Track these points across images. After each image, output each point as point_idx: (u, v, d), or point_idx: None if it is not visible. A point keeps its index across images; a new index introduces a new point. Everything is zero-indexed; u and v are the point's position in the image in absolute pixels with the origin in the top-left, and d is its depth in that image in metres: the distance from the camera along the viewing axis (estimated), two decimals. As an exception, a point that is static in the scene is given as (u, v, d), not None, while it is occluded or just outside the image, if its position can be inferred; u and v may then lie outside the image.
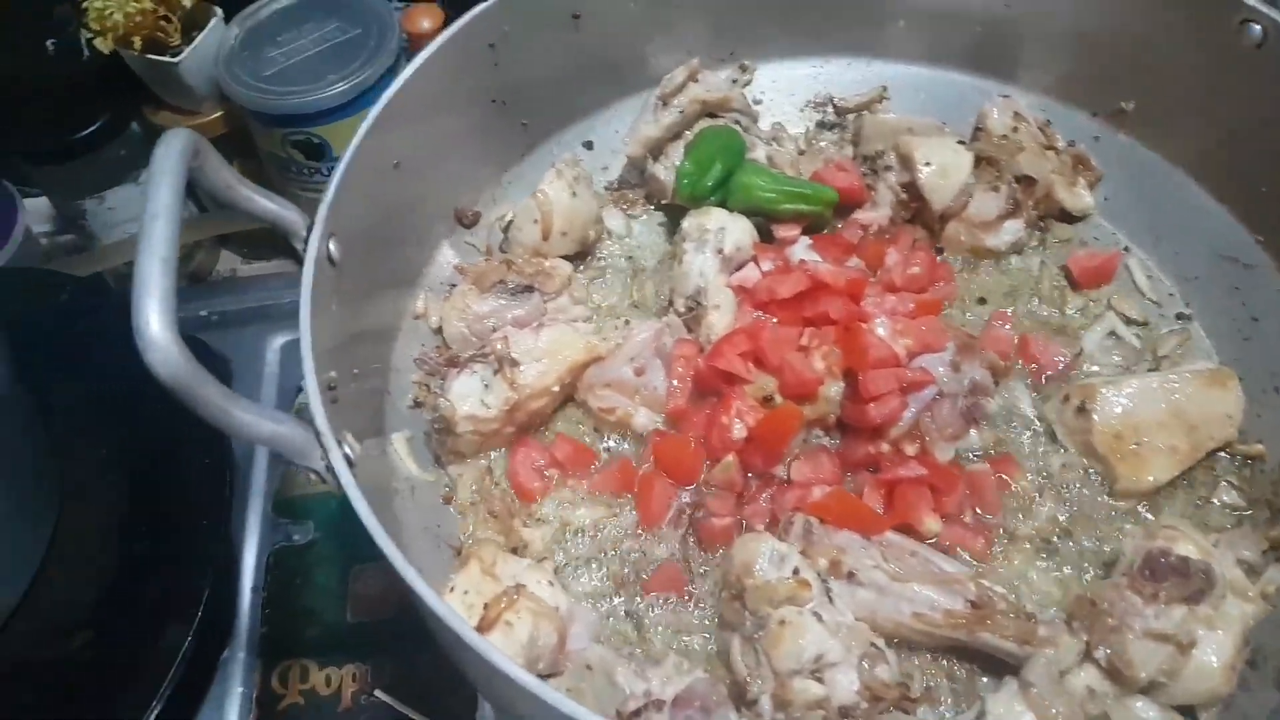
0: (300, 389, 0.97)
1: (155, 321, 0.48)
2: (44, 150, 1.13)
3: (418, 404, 0.78)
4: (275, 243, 1.32)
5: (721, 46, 0.89)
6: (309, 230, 0.65)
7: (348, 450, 0.57)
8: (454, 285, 0.83)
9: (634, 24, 0.83)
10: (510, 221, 0.85)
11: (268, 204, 0.64)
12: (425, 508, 0.74)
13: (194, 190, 1.26)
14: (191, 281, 1.30)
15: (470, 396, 0.74)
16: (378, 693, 0.80)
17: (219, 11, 1.10)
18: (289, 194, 1.15)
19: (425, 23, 1.17)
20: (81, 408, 0.84)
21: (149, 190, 0.52)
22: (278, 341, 1.00)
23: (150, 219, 0.51)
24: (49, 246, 1.34)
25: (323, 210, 0.66)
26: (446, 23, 1.15)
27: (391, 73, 1.08)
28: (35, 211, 1.32)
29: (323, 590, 0.83)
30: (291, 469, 0.91)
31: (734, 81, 0.90)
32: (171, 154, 0.54)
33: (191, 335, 0.92)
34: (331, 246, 0.66)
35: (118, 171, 1.17)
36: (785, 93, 0.91)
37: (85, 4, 1.05)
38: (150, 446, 0.81)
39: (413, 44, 1.14)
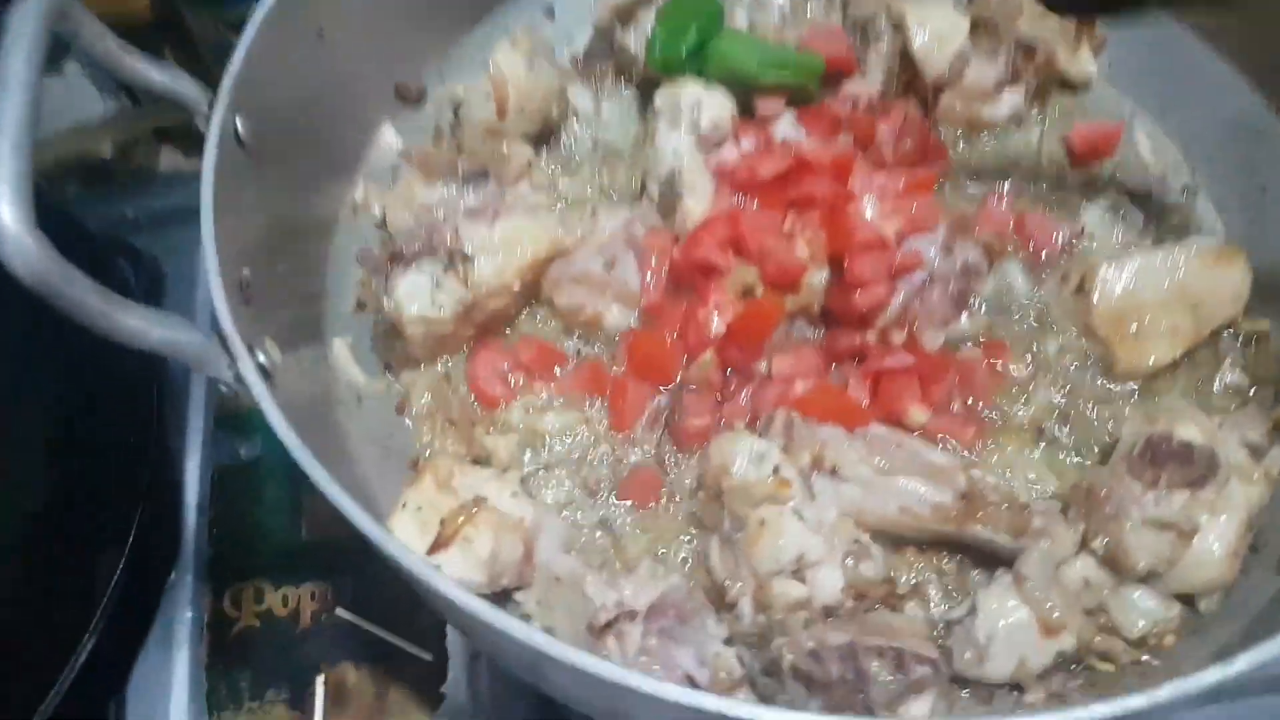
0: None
1: (6, 212, 0.40)
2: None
3: (361, 306, 0.72)
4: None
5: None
6: (211, 106, 0.57)
7: (263, 358, 0.51)
8: (398, 171, 0.76)
9: None
10: (460, 99, 0.77)
11: (159, 75, 0.56)
12: (374, 419, 0.68)
13: (118, 79, 1.17)
14: (136, 181, 1.22)
15: (419, 296, 0.67)
16: (339, 611, 0.76)
17: None
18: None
19: None
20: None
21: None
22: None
23: (3, 94, 0.43)
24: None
25: (226, 82, 0.58)
26: None
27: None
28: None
29: (274, 507, 0.78)
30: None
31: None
32: (29, 13, 0.46)
33: (116, 236, 0.86)
34: (239, 123, 0.58)
35: None
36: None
37: None
38: (65, 361, 0.74)
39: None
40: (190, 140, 1.23)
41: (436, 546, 0.58)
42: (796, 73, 0.77)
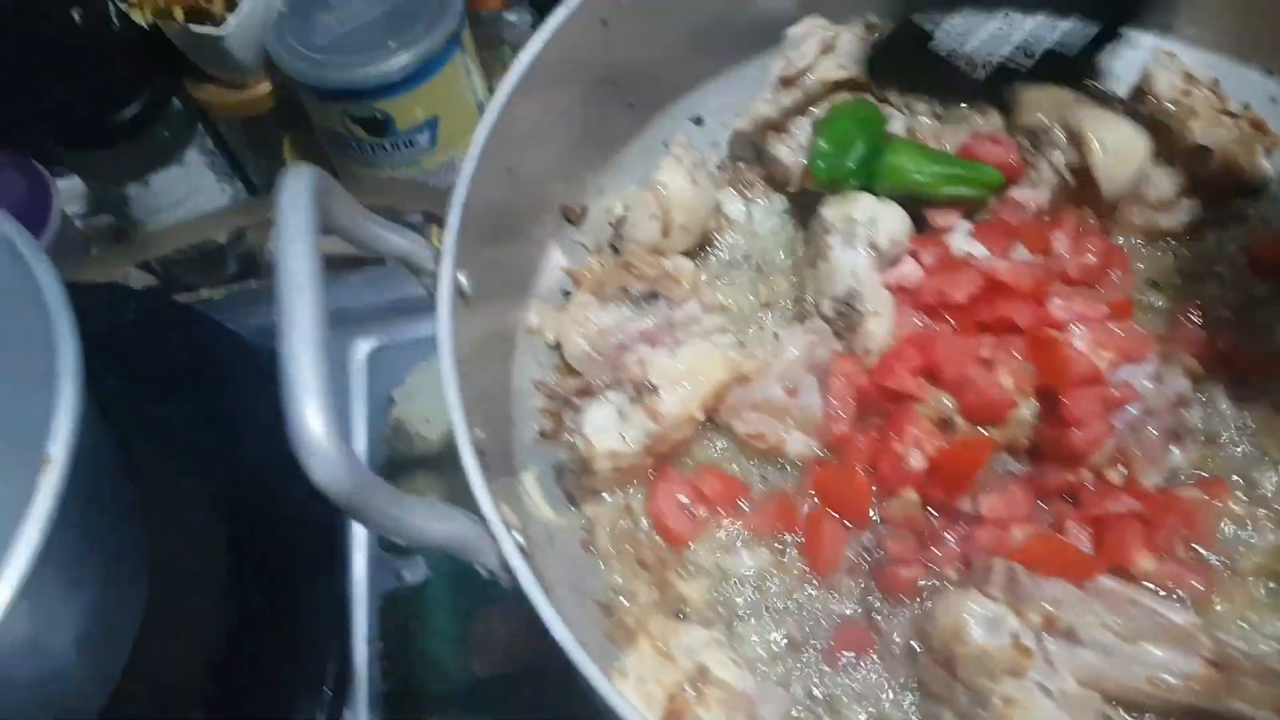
0: (391, 399, 0.89)
1: (318, 427, 0.39)
2: (81, 134, 1.03)
3: (544, 436, 0.70)
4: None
5: (845, 6, 0.77)
6: (436, 262, 0.56)
7: (518, 537, 0.49)
8: (568, 293, 0.74)
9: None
10: (622, 217, 0.76)
11: (397, 239, 0.55)
12: (564, 556, 0.66)
13: (242, 169, 1.17)
14: (242, 265, 1.23)
15: (608, 429, 0.66)
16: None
17: (265, -25, 0.99)
18: (347, 171, 1.07)
19: (485, -21, 1.06)
20: (162, 443, 0.76)
21: (281, 255, 0.44)
22: (363, 348, 0.92)
23: (292, 289, 0.42)
24: (87, 230, 1.25)
25: (448, 240, 0.57)
26: (509, -23, 1.05)
27: (456, 39, 0.98)
28: (68, 192, 1.23)
29: (443, 637, 0.76)
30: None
31: (861, 39, 0.79)
32: (301, 204, 0.45)
33: (269, 347, 0.85)
34: (463, 279, 0.57)
35: (161, 154, 1.08)
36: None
37: (118, -29, 0.94)
38: (246, 487, 0.74)
39: (473, 1, 1.03)
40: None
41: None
42: (972, 184, 0.75)
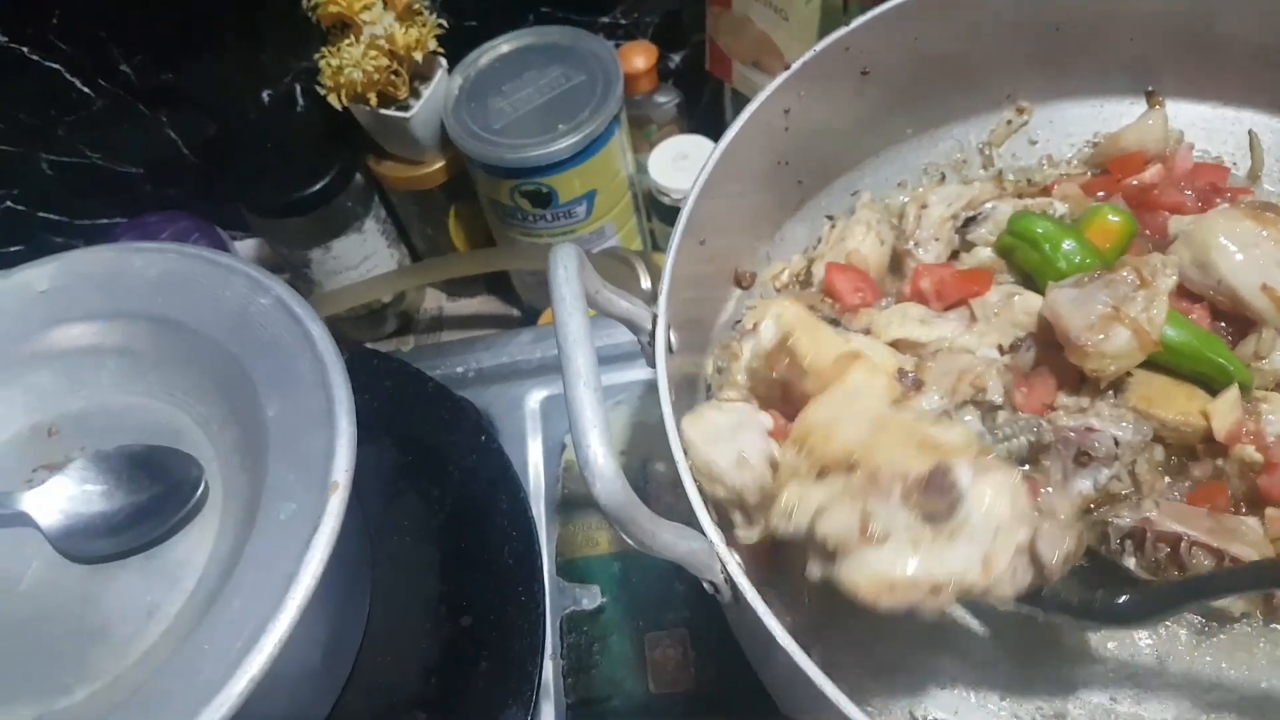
0: (563, 444, 0.98)
1: (601, 455, 0.48)
2: (273, 204, 1.15)
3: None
4: (476, 280, 1.35)
5: (999, 92, 0.86)
6: (653, 325, 0.65)
7: (737, 556, 0.57)
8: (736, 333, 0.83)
9: (917, 73, 0.81)
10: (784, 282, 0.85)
11: (625, 304, 0.64)
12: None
13: (408, 236, 1.29)
14: (400, 321, 1.34)
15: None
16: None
17: (444, 62, 1.11)
18: (506, 238, 1.17)
19: (640, 61, 1.17)
20: (378, 477, 0.86)
21: (561, 317, 0.53)
22: (535, 397, 1.01)
23: (572, 346, 0.51)
24: (261, 289, 1.37)
25: (661, 304, 0.66)
26: (660, 59, 1.16)
27: (616, 120, 1.09)
28: (243, 253, 1.36)
29: (620, 658, 0.84)
30: (568, 529, 0.92)
31: (1008, 123, 0.87)
32: (572, 277, 0.55)
33: (460, 395, 0.95)
34: (672, 336, 0.66)
35: (343, 222, 1.19)
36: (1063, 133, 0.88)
37: (318, 59, 1.06)
38: (452, 517, 0.83)
39: (626, 84, 1.14)
40: (450, 283, 1.35)
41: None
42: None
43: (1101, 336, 0.66)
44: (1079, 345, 0.66)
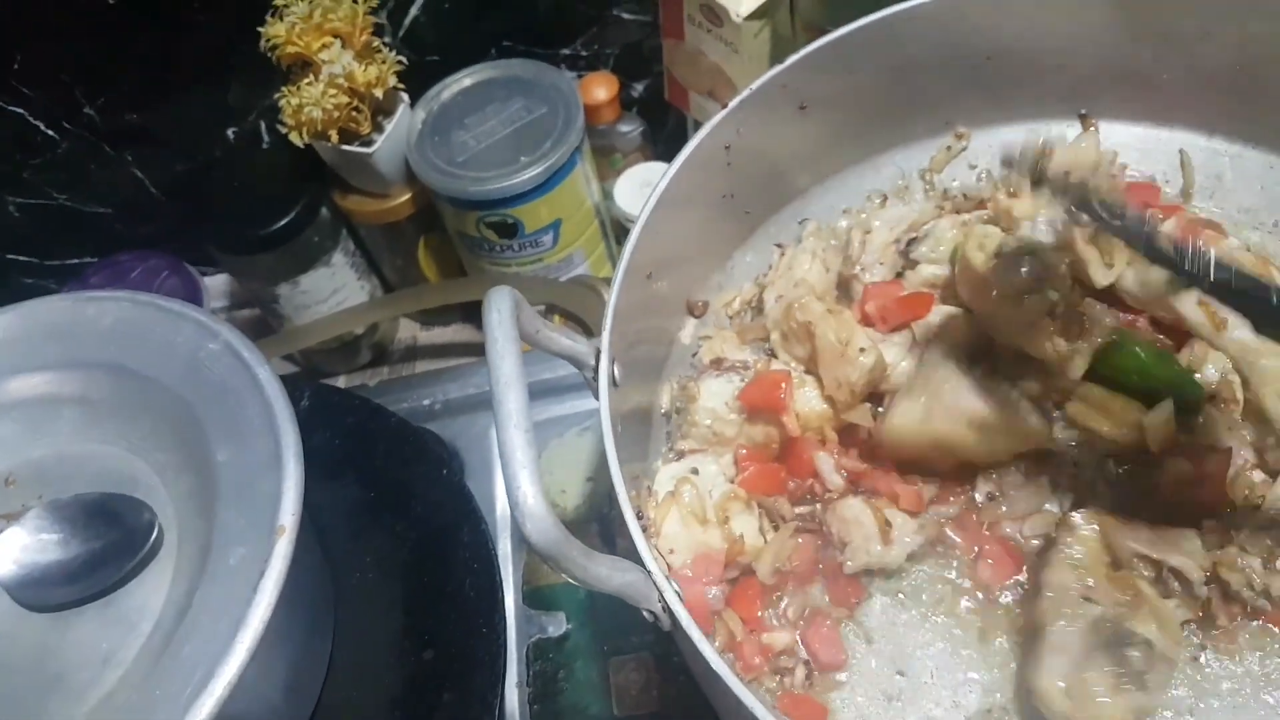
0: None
1: (531, 495, 0.50)
2: (240, 241, 1.16)
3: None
4: (450, 310, 1.36)
5: (937, 119, 0.88)
6: (596, 360, 0.67)
7: (675, 584, 0.59)
8: (694, 368, 0.84)
9: (854, 103, 0.83)
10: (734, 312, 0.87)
11: (567, 341, 0.66)
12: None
13: (378, 268, 1.30)
14: (374, 353, 1.35)
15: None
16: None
17: (406, 97, 1.13)
18: (476, 268, 1.18)
19: (601, 92, 1.19)
20: (340, 513, 0.87)
21: (493, 359, 0.55)
22: (501, 429, 1.02)
23: (504, 389, 0.53)
24: (232, 324, 1.39)
25: (605, 338, 0.67)
26: (623, 89, 1.17)
27: (578, 151, 1.10)
28: (214, 289, 1.37)
29: (585, 684, 0.85)
30: (534, 558, 0.93)
31: (948, 148, 0.89)
32: (505, 319, 0.56)
33: (422, 427, 0.96)
34: (616, 370, 0.68)
35: (310, 257, 1.20)
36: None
37: (278, 99, 1.08)
38: (415, 551, 0.84)
39: (589, 115, 1.15)
40: (424, 313, 1.36)
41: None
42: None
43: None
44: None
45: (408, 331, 1.41)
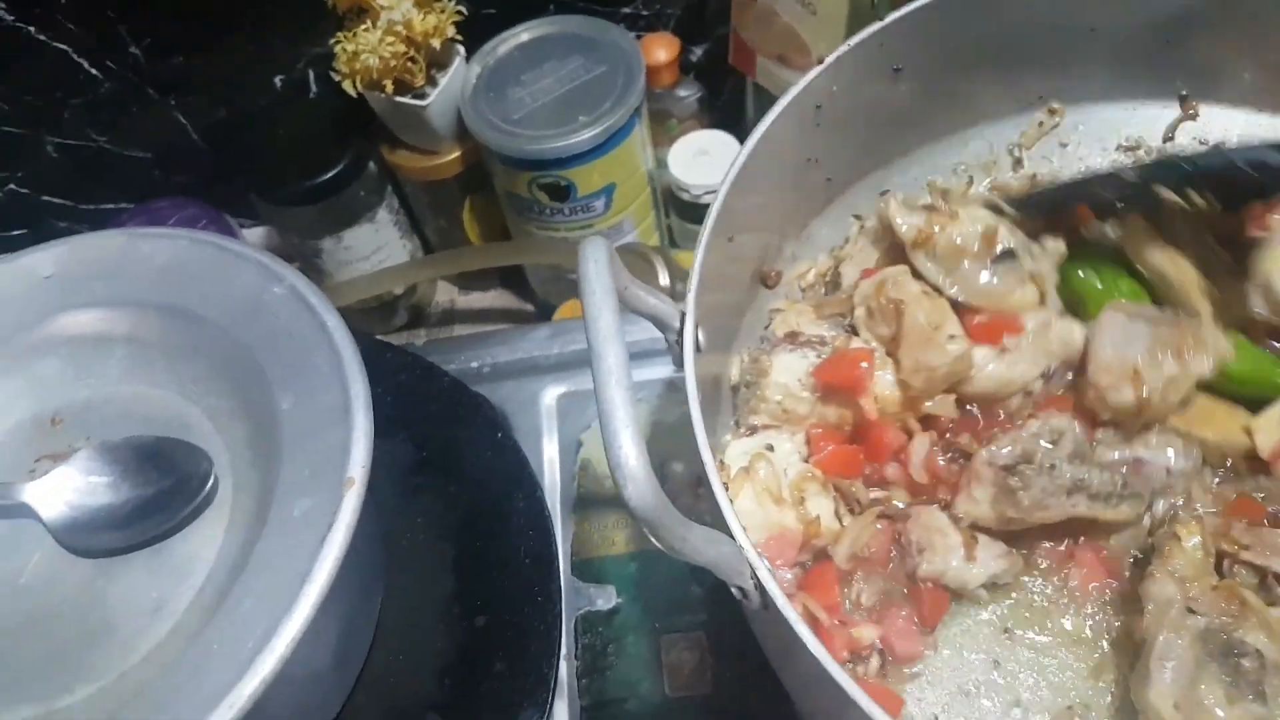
0: (580, 442, 0.96)
1: (634, 457, 0.46)
2: (285, 193, 1.13)
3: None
4: (489, 274, 1.33)
5: (1031, 93, 0.84)
6: (681, 321, 0.64)
7: (768, 561, 0.56)
8: (765, 341, 0.81)
9: (949, 70, 0.79)
10: (809, 283, 0.83)
11: (655, 301, 0.63)
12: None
13: (421, 229, 1.27)
14: (411, 314, 1.32)
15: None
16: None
17: (462, 50, 1.09)
18: (522, 231, 1.15)
19: (662, 54, 1.15)
20: (392, 473, 0.84)
21: (591, 312, 0.51)
22: (551, 393, 0.99)
23: (603, 343, 0.49)
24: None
25: (690, 301, 0.64)
26: (683, 52, 1.14)
27: (637, 114, 1.07)
28: (252, 241, 1.34)
29: (636, 660, 0.82)
30: (584, 528, 0.90)
31: (1040, 124, 0.85)
32: (603, 270, 0.53)
33: (475, 391, 0.93)
34: (700, 335, 0.64)
35: (355, 212, 1.18)
36: (1095, 136, 0.86)
37: (334, 44, 1.05)
38: (468, 515, 0.81)
39: (649, 76, 1.12)
40: (463, 276, 1.33)
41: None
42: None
43: (1110, 383, 0.66)
44: (1093, 380, 0.66)
45: (445, 295, 1.38)
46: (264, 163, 1.17)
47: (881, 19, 0.73)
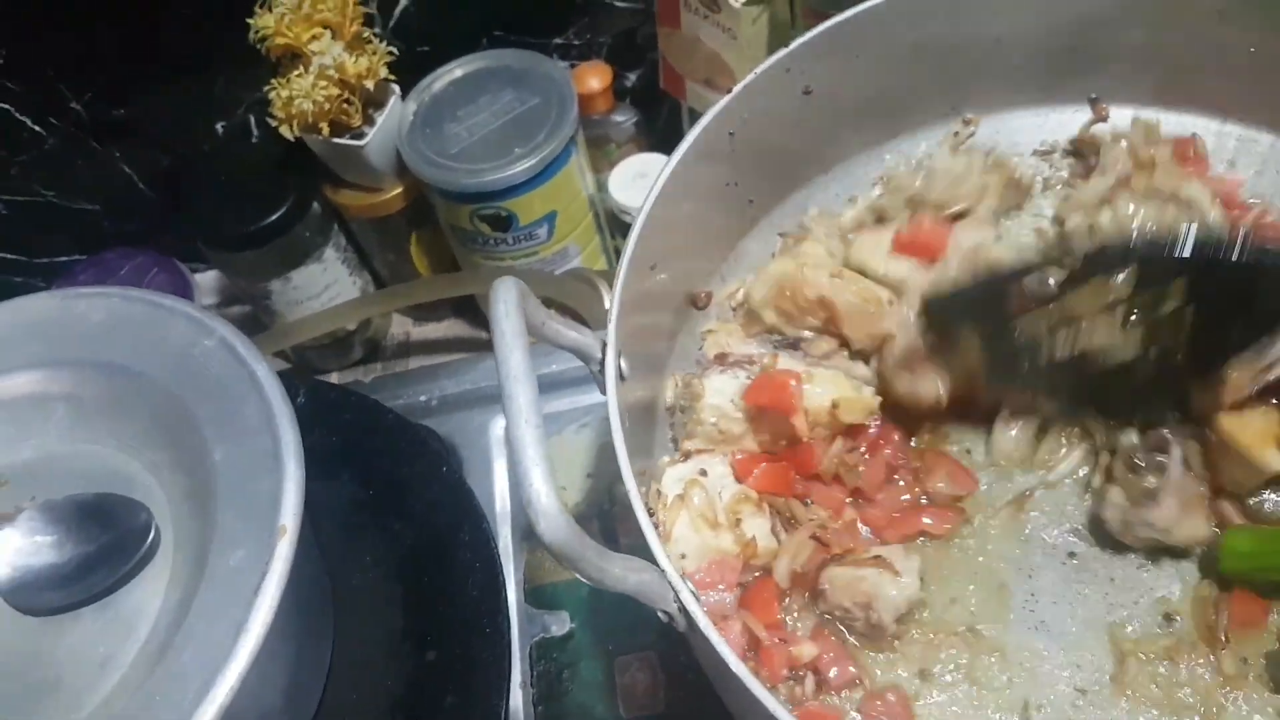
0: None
1: (544, 494, 0.48)
2: (230, 237, 1.14)
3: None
4: (443, 305, 1.34)
5: (944, 104, 0.86)
6: (603, 352, 0.65)
7: (690, 584, 0.57)
8: (698, 363, 0.83)
9: (860, 88, 0.81)
10: (743, 301, 0.85)
11: (572, 334, 0.64)
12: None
13: (370, 263, 1.28)
14: (366, 349, 1.33)
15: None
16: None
17: (397, 89, 1.11)
18: (469, 262, 1.16)
19: (595, 82, 1.17)
20: (337, 512, 0.85)
21: (502, 352, 0.53)
22: (501, 423, 1.01)
23: (513, 384, 0.51)
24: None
25: (611, 331, 0.66)
26: (617, 78, 1.16)
27: (572, 142, 1.08)
28: (204, 285, 1.35)
29: (591, 684, 0.84)
30: (536, 555, 0.92)
31: (955, 134, 0.88)
32: (512, 311, 0.54)
33: (419, 424, 0.95)
34: (623, 363, 0.66)
35: (302, 252, 1.19)
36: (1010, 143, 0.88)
37: (268, 91, 1.06)
38: (415, 549, 0.82)
39: (582, 105, 1.13)
40: (417, 308, 1.35)
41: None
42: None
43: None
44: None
45: (400, 327, 1.39)
46: (208, 209, 1.18)
47: (788, 45, 0.75)
